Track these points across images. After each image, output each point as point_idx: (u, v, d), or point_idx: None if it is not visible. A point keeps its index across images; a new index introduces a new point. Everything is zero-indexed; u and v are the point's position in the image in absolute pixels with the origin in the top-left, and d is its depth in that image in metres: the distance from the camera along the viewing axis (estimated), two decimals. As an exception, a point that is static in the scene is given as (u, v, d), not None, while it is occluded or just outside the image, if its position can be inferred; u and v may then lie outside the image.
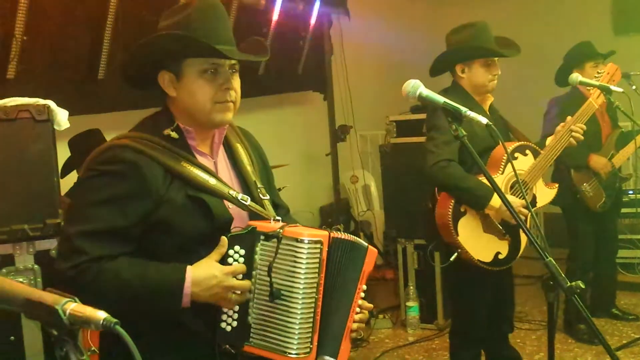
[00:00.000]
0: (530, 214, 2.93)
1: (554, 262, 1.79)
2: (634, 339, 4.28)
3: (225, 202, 1.75)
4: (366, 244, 1.80)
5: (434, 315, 4.74)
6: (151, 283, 1.63)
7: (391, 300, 5.07)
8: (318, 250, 1.66)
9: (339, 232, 1.75)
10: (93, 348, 2.80)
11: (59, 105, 2.43)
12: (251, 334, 1.68)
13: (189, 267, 1.65)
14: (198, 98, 1.72)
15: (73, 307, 1.05)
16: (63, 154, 3.49)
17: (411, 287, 4.75)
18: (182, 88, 1.74)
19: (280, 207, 2.00)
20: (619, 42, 5.86)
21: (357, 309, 1.81)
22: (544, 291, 1.90)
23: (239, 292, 1.67)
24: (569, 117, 3.18)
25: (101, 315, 1.04)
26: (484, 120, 1.86)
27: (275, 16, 4.56)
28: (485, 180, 2.98)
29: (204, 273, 1.64)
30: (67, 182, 3.60)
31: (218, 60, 1.72)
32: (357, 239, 1.81)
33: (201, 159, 1.78)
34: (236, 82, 1.78)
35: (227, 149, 1.88)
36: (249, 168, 1.87)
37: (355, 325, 1.80)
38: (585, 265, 4.44)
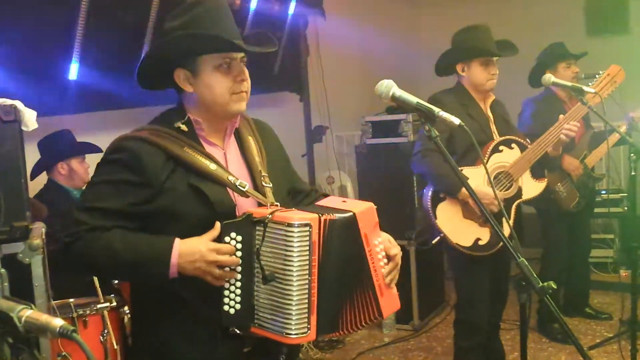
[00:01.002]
0: (500, 208, 2.98)
1: (526, 263, 1.79)
2: (607, 338, 4.33)
3: (231, 191, 1.84)
4: (351, 212, 1.81)
5: (410, 316, 4.76)
6: (141, 251, 1.74)
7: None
8: (307, 233, 1.71)
9: (329, 214, 1.78)
10: (64, 353, 2.77)
11: (27, 105, 2.39)
12: (256, 316, 1.76)
13: (177, 239, 1.75)
14: (217, 91, 1.83)
15: (29, 314, 1.02)
16: (33, 155, 3.45)
17: (387, 288, 4.75)
18: (199, 83, 1.84)
19: (301, 191, 2.13)
20: (592, 43, 5.94)
21: (381, 263, 1.88)
22: (516, 291, 1.91)
23: (226, 268, 1.74)
24: (561, 116, 3.30)
25: (58, 322, 1.01)
26: (456, 121, 1.90)
27: (250, 16, 4.53)
28: (469, 171, 3.17)
29: (190, 246, 1.74)
30: (38, 184, 3.55)
31: (231, 54, 1.83)
32: (342, 212, 1.82)
33: (210, 149, 1.88)
34: (246, 73, 1.88)
35: (239, 141, 1.97)
36: (257, 159, 1.95)
37: (388, 279, 1.89)
38: (559, 265, 4.49)
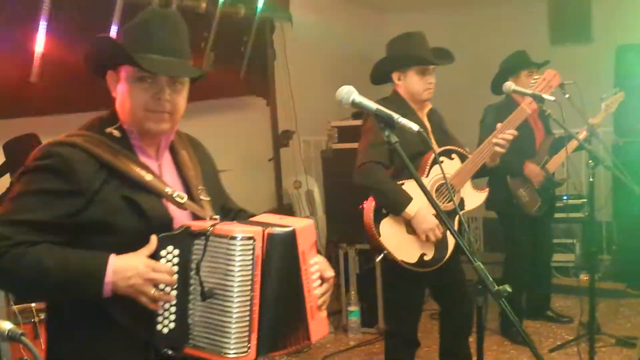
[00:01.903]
0: (458, 216, 3.00)
1: (482, 266, 1.81)
2: (567, 341, 4.40)
3: (167, 203, 1.74)
4: (291, 228, 1.74)
5: (375, 319, 4.78)
6: (72, 268, 1.61)
7: (332, 305, 5.06)
8: (251, 247, 1.63)
9: (272, 228, 1.71)
10: (26, 358, 2.72)
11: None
12: (191, 335, 1.66)
13: (112, 256, 1.63)
14: (130, 103, 1.74)
15: (-25, 319, 1.01)
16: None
17: (352, 292, 4.78)
18: (119, 90, 1.76)
19: (231, 210, 2.04)
20: (555, 52, 6.06)
21: (315, 284, 1.80)
22: (473, 295, 1.93)
23: (161, 287, 1.64)
24: (498, 125, 3.25)
25: (6, 326, 1.00)
26: (415, 127, 1.88)
27: (216, 20, 4.52)
28: (411, 186, 3.06)
29: (125, 263, 1.62)
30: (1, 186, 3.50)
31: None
32: (282, 227, 1.75)
33: (145, 159, 1.79)
34: (177, 93, 1.77)
35: (173, 154, 1.89)
36: (192, 172, 1.87)
37: (320, 301, 1.80)
38: (522, 269, 4.55)
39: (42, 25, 3.41)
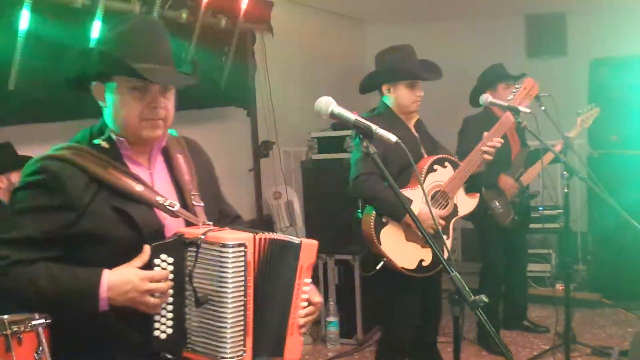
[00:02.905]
0: (436, 227, 3.08)
1: (459, 276, 1.83)
2: (544, 351, 4.45)
3: (159, 212, 1.76)
4: (298, 240, 1.80)
5: (354, 330, 4.79)
6: (66, 287, 1.65)
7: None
8: (242, 253, 1.67)
9: (268, 233, 1.75)
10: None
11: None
12: (188, 340, 1.70)
13: (105, 271, 1.66)
14: (125, 114, 1.74)
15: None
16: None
17: (331, 303, 4.79)
18: (111, 102, 1.76)
19: (227, 216, 2.06)
20: (532, 65, 6.16)
21: (304, 304, 1.84)
22: (450, 305, 1.95)
23: (158, 295, 1.67)
24: (485, 133, 3.34)
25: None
26: (393, 138, 1.91)
27: (197, 30, 4.53)
28: (408, 193, 3.19)
29: (120, 277, 1.65)
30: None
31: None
32: (289, 237, 1.81)
33: (136, 169, 1.80)
34: (168, 99, 1.79)
35: (167, 160, 1.90)
36: (186, 177, 1.88)
37: (302, 321, 1.83)
38: (497, 279, 4.60)
39: (21, 32, 3.39)
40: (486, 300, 1.81)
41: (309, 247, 1.84)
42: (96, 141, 1.78)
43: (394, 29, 7.00)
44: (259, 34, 5.53)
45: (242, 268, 1.67)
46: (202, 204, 1.86)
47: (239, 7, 4.94)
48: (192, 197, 1.85)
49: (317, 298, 1.91)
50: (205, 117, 5.03)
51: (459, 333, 2.08)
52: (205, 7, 4.54)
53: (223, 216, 2.04)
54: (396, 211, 3.17)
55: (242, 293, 1.67)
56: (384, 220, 3.23)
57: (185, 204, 1.83)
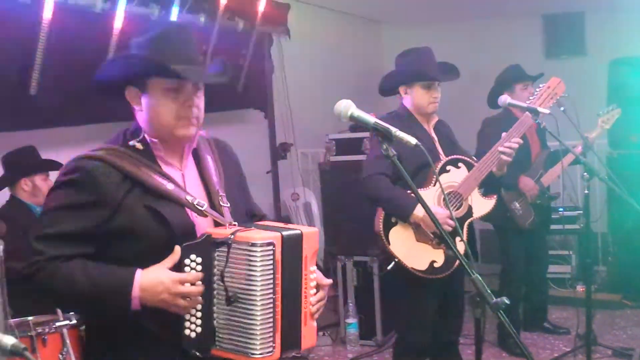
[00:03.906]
0: (456, 225, 3.06)
1: (480, 278, 1.82)
2: (565, 352, 4.41)
3: (189, 211, 1.81)
4: (298, 231, 1.81)
5: (373, 331, 4.79)
6: (101, 285, 1.70)
7: (330, 317, 5.08)
8: (271, 252, 1.70)
9: (285, 230, 1.78)
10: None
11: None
12: (217, 338, 1.73)
13: (138, 271, 1.71)
14: (162, 114, 1.81)
15: (-23, 334, 1.02)
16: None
17: (350, 304, 4.79)
18: (146, 104, 1.83)
19: (256, 216, 2.10)
20: (550, 65, 6.11)
21: (312, 291, 1.85)
22: (471, 307, 1.94)
23: (189, 298, 1.72)
24: (504, 133, 3.30)
25: (8, 340, 1.02)
26: (413, 141, 1.91)
27: (214, 34, 4.56)
28: (421, 193, 3.09)
29: (152, 279, 1.70)
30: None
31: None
32: (293, 229, 1.82)
33: (167, 169, 1.86)
34: (200, 99, 1.86)
35: (197, 160, 1.95)
36: (214, 178, 1.93)
37: (314, 308, 1.85)
38: (517, 281, 4.57)
39: (42, 37, 3.44)
40: (507, 302, 1.81)
41: (311, 236, 1.84)
42: (131, 143, 1.84)
43: (411, 30, 6.99)
44: (276, 37, 5.55)
45: (271, 266, 1.71)
46: (229, 205, 1.90)
47: (256, 10, 4.97)
48: (220, 197, 1.90)
49: (325, 280, 1.93)
50: (223, 119, 5.06)
51: (480, 335, 2.07)
52: (223, 10, 4.57)
53: (251, 216, 2.08)
54: (401, 211, 3.19)
55: (271, 291, 1.71)
56: (392, 220, 3.24)
57: (212, 204, 1.88)
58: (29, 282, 1.73)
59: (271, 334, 1.71)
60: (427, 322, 3.37)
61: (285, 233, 1.77)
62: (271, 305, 1.71)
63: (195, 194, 1.86)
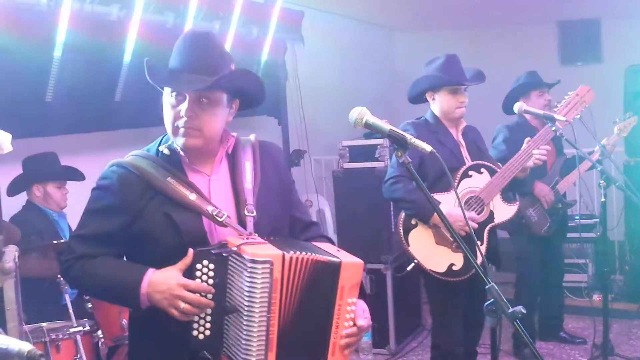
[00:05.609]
0: (470, 231, 3.04)
1: (496, 287, 1.81)
2: (581, 362, 4.37)
3: (206, 220, 1.83)
4: (337, 260, 1.80)
5: (386, 340, 4.76)
6: (117, 280, 1.82)
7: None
8: (268, 271, 1.69)
9: (306, 253, 1.76)
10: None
11: (5, 128, 2.39)
12: (224, 344, 1.75)
13: (150, 269, 1.79)
14: (165, 123, 1.88)
15: (-4, 339, 1.02)
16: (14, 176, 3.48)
17: (364, 312, 4.75)
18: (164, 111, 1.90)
19: (299, 222, 2.05)
20: (565, 72, 6.06)
21: (346, 323, 1.83)
22: (487, 316, 1.93)
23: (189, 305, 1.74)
24: (528, 139, 3.31)
25: (25, 347, 1.02)
26: (428, 148, 1.92)
27: (229, 41, 4.57)
28: (440, 197, 3.20)
29: (159, 277, 1.77)
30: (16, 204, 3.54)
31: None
32: (329, 256, 1.81)
33: (193, 176, 1.88)
34: (203, 110, 1.82)
35: (232, 165, 1.93)
36: (247, 186, 1.90)
37: (343, 342, 1.82)
38: (533, 289, 4.52)
39: (58, 45, 3.46)
40: (524, 311, 1.79)
41: (352, 267, 1.82)
42: (160, 148, 1.90)
43: (425, 37, 6.97)
44: (290, 44, 5.56)
45: (267, 284, 1.69)
46: (254, 214, 1.87)
47: (270, 17, 4.97)
48: (246, 207, 1.87)
49: (362, 322, 1.88)
50: (237, 126, 5.05)
51: (496, 344, 2.05)
52: (237, 17, 4.58)
53: (294, 221, 2.04)
54: (422, 213, 3.23)
55: (266, 308, 1.70)
56: (413, 222, 3.30)
57: (239, 213, 1.88)
58: (64, 276, 1.93)
59: (263, 351, 1.70)
60: (459, 326, 3.38)
61: (314, 257, 1.75)
62: (265, 322, 1.70)
63: (221, 201, 1.86)
